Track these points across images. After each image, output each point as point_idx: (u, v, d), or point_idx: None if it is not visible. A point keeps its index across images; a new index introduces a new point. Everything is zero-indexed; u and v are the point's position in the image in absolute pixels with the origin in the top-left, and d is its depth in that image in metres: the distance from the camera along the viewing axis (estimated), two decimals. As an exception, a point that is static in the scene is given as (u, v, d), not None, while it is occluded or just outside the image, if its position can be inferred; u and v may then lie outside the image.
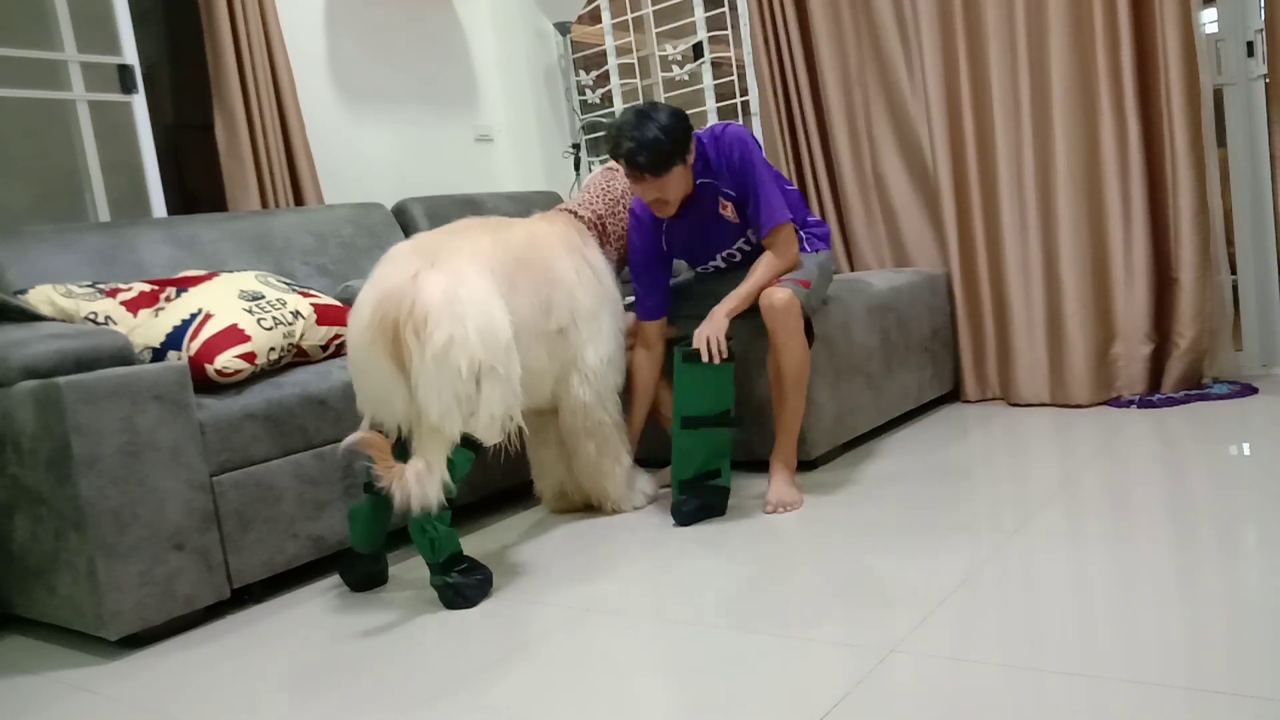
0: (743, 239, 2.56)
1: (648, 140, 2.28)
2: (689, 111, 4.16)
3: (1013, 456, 2.57)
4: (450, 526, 2.00)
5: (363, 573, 2.20)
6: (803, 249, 2.58)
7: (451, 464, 1.99)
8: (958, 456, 2.65)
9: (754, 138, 2.48)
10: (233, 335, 2.21)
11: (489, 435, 2.02)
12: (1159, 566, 1.71)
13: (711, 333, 2.33)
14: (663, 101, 2.37)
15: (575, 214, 2.53)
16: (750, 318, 2.60)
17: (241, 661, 1.87)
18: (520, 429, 2.10)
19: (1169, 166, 2.90)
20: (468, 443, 2.01)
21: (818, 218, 2.71)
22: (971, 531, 2.02)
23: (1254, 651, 1.36)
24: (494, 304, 2.04)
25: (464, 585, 2.00)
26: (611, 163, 2.61)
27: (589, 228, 2.53)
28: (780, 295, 2.36)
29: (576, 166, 4.19)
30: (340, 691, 1.66)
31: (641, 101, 2.40)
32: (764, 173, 2.43)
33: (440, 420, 1.96)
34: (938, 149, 3.26)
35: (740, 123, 3.96)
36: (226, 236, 2.84)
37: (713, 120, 3.94)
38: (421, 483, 1.96)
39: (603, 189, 2.57)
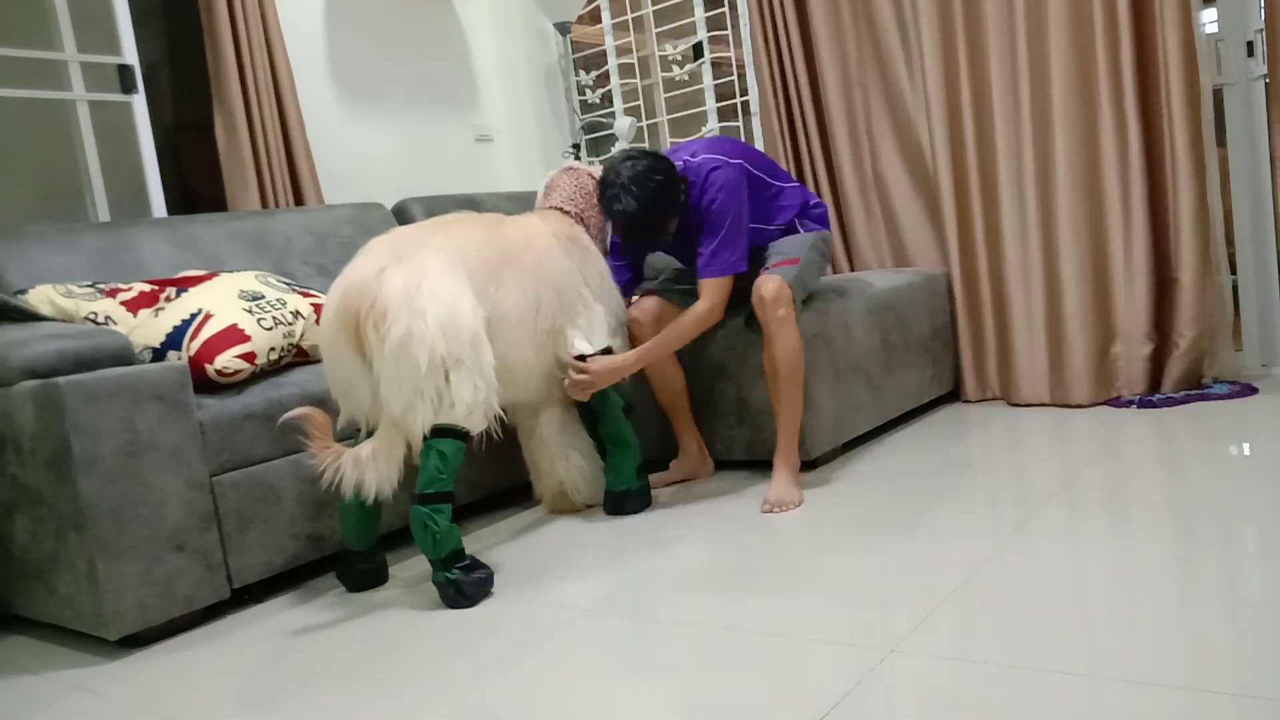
0: None
1: (642, 219, 2.37)
2: (688, 112, 4.19)
3: (1013, 456, 2.57)
4: (452, 523, 2.00)
5: (359, 572, 2.19)
6: (796, 231, 2.63)
7: (442, 455, 1.99)
8: (958, 456, 2.65)
9: (740, 185, 2.46)
10: (233, 335, 2.21)
11: (471, 424, 2.04)
12: (1159, 566, 1.71)
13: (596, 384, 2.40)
14: (647, 149, 2.41)
15: (562, 210, 2.54)
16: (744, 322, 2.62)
17: (241, 661, 1.87)
18: (501, 419, 2.13)
19: (1169, 166, 2.90)
20: (452, 433, 2.01)
21: (818, 198, 2.73)
22: (972, 531, 2.02)
23: (1254, 651, 1.36)
24: (461, 298, 2.04)
25: (464, 583, 1.99)
26: (569, 163, 2.65)
27: (575, 221, 2.54)
28: (769, 286, 2.39)
29: (576, 167, 4.19)
30: (340, 691, 1.66)
31: (629, 161, 2.39)
32: (734, 223, 2.44)
33: (403, 414, 1.98)
34: (938, 149, 3.25)
35: (740, 124, 3.98)
36: (226, 236, 2.84)
37: (713, 121, 3.94)
38: (358, 468, 1.97)
39: (575, 187, 2.57)
